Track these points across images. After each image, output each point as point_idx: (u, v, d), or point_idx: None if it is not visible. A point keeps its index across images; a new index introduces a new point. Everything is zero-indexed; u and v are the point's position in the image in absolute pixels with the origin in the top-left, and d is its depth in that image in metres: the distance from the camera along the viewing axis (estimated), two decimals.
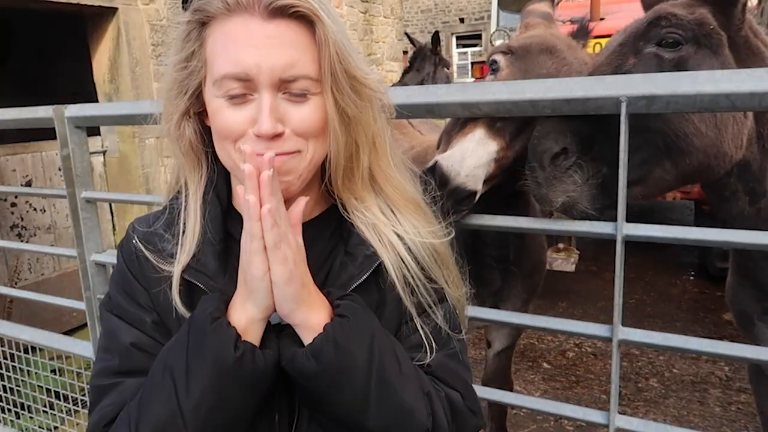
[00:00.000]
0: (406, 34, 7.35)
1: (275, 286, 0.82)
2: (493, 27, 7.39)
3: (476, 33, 19.60)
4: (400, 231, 0.97)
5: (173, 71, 0.92)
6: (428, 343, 0.97)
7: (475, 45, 19.68)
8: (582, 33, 1.90)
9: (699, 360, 3.96)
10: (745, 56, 1.42)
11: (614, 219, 1.26)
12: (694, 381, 3.77)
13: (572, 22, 5.15)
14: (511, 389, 2.65)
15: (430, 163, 1.46)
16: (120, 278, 0.99)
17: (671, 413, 3.41)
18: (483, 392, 1.60)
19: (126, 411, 0.87)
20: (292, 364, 0.83)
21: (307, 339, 0.84)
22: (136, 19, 4.96)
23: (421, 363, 0.96)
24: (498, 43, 6.28)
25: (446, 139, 1.62)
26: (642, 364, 3.99)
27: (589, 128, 1.33)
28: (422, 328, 0.97)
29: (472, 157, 1.46)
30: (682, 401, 3.54)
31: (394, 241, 0.96)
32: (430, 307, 0.98)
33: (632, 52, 1.41)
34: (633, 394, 3.62)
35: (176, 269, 0.92)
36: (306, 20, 0.84)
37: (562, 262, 4.59)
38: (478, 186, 1.44)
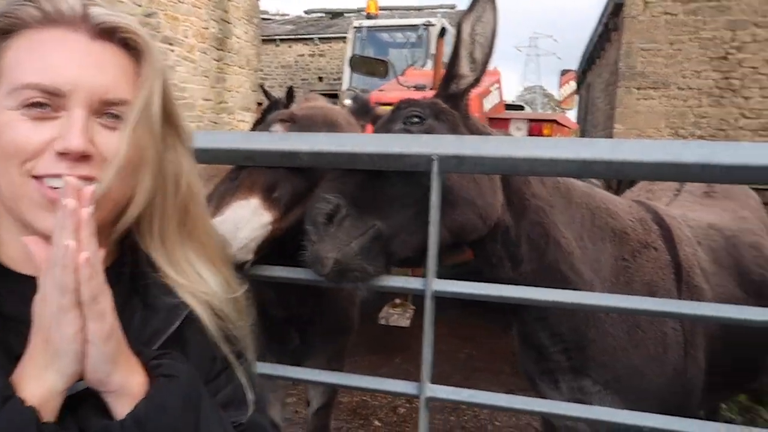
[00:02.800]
0: (261, 86, 7.31)
1: (92, 346, 0.70)
2: (344, 86, 7.64)
3: (334, 92, 20.14)
4: (208, 284, 0.89)
5: None
6: (239, 400, 0.90)
7: (332, 104, 20.23)
8: (363, 111, 1.99)
9: (519, 413, 4.17)
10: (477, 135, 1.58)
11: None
12: None
13: (416, 88, 5.48)
14: None
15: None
16: None
17: None
18: None
19: None
20: None
21: (124, 406, 0.72)
22: None
23: (237, 422, 0.88)
24: (347, 102, 6.47)
25: (219, 198, 1.54)
26: (468, 418, 4.11)
27: (364, 187, 1.36)
28: (232, 383, 0.90)
29: (246, 229, 1.40)
30: None
31: (202, 293, 0.87)
32: (240, 360, 0.91)
33: (385, 131, 1.52)
34: None
35: None
36: (131, 49, 0.80)
37: (398, 317, 4.67)
38: (249, 257, 1.40)
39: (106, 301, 0.71)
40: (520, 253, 1.57)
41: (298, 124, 1.62)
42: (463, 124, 1.53)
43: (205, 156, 1.37)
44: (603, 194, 1.82)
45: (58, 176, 0.72)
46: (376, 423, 4.02)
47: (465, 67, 1.51)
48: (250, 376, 0.93)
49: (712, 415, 3.43)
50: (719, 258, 2.08)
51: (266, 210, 1.46)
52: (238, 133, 1.61)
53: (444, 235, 1.38)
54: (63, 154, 0.73)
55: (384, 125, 1.53)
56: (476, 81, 1.52)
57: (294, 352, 2.09)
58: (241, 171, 1.56)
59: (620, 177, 1.36)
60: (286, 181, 1.51)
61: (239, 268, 1.35)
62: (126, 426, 0.71)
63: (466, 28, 1.46)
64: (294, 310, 1.97)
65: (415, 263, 1.46)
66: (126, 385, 0.73)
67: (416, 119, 1.46)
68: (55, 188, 0.73)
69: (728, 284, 2.05)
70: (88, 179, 0.74)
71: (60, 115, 0.74)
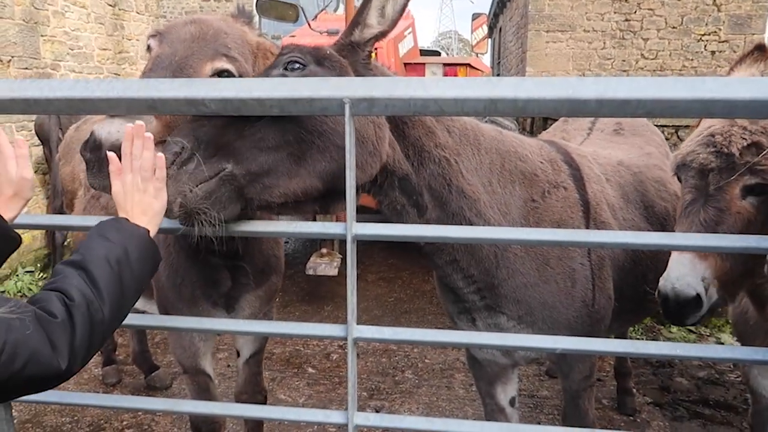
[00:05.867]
0: None
1: None
2: None
3: None
4: None
5: None
6: None
7: None
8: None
9: (447, 349, 4.37)
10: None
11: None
12: (442, 368, 4.15)
13: (329, 33, 5.34)
14: (264, 397, 2.59)
15: (88, 134, 1.39)
16: None
17: (423, 401, 3.69)
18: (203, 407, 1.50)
19: None
20: None
21: None
22: None
23: None
24: None
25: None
26: (399, 358, 4.26)
27: (223, 129, 1.35)
28: None
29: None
30: (433, 388, 3.86)
31: None
32: None
33: (265, 77, 1.49)
34: (390, 387, 3.83)
35: None
36: None
37: (326, 266, 4.70)
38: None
39: None
40: (423, 201, 1.60)
41: (162, 33, 1.65)
42: (357, 72, 1.51)
43: (104, 105, 1.30)
44: (513, 138, 1.87)
45: None
46: (310, 370, 4.09)
47: (373, 18, 1.50)
48: None
49: (622, 338, 3.73)
50: (627, 193, 2.21)
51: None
52: (135, 80, 1.53)
53: (313, 183, 1.37)
54: None
55: (265, 72, 1.51)
56: (382, 34, 1.51)
57: (227, 295, 2.12)
58: None
59: (525, 114, 1.41)
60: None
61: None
62: None
63: None
64: (228, 245, 1.95)
65: (283, 210, 1.46)
66: None
67: (297, 65, 1.44)
68: None
69: (635, 218, 2.20)
70: None
71: None
